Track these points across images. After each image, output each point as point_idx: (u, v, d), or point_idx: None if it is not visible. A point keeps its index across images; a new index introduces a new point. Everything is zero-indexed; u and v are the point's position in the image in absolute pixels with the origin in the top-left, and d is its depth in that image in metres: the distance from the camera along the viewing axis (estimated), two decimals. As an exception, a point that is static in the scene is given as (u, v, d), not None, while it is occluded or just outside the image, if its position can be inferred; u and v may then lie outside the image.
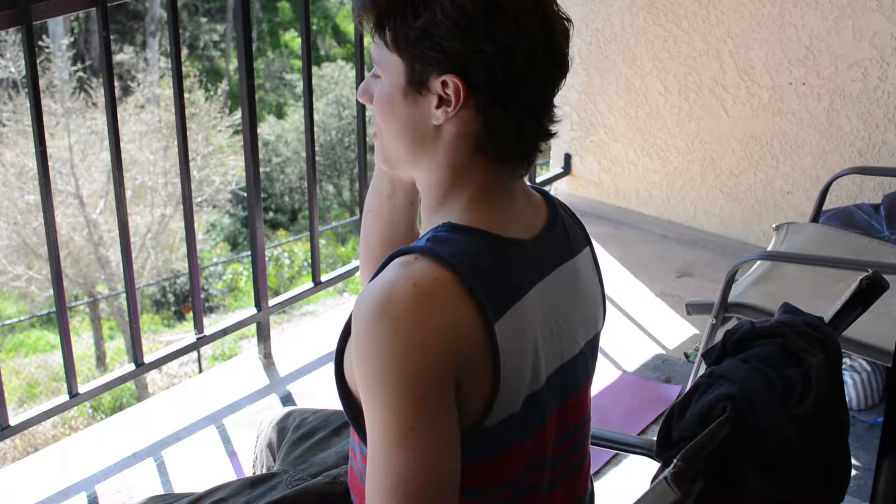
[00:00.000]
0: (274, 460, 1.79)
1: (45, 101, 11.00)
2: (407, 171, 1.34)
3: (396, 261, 1.21)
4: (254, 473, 1.83)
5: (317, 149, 4.38)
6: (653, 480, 1.33)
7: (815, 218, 2.89)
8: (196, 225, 4.16)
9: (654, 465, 1.45)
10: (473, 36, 1.20)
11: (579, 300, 1.36)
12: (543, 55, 1.23)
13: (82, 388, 2.62)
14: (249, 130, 2.78)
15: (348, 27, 17.39)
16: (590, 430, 1.44)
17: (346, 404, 1.29)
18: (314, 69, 2.95)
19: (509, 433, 1.25)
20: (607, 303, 1.47)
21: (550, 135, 1.28)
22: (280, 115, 15.63)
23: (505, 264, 1.24)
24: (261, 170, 2.99)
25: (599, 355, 3.04)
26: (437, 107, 1.24)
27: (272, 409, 2.74)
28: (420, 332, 1.15)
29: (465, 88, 1.22)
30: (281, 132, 14.74)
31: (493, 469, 1.27)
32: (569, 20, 1.27)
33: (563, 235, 1.35)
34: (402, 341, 1.15)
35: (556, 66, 1.25)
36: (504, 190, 1.29)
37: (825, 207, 2.94)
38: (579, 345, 1.36)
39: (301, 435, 1.75)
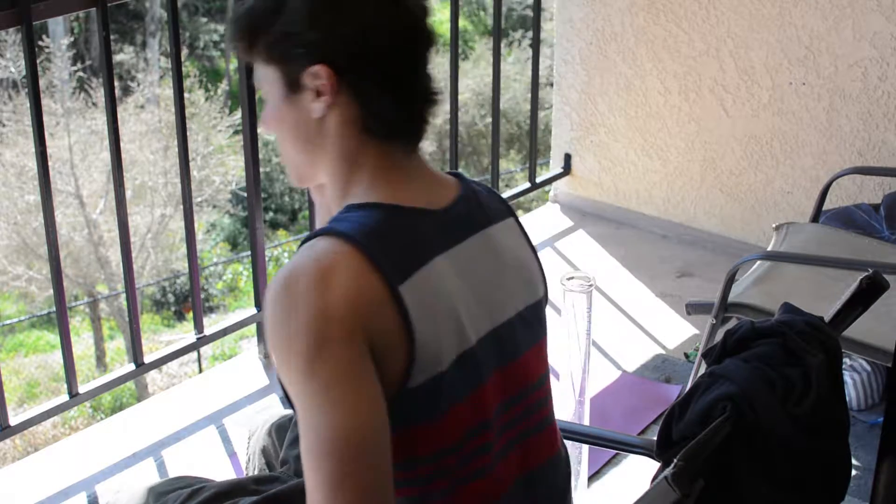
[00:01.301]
0: (268, 465, 1.79)
1: (45, 101, 10.99)
2: (315, 179, 1.40)
3: (303, 245, 1.28)
4: (246, 475, 1.83)
5: (317, 149, 4.37)
6: (653, 480, 1.33)
7: (815, 218, 2.89)
8: (196, 225, 4.16)
9: (654, 465, 1.45)
10: (326, 23, 1.27)
11: (504, 266, 1.39)
12: (403, 28, 1.29)
13: (82, 388, 2.62)
14: (249, 130, 2.78)
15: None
16: (547, 395, 1.44)
17: (284, 393, 1.31)
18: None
19: (440, 394, 1.27)
20: (546, 274, 1.49)
21: (431, 104, 1.33)
22: (280, 115, 15.60)
23: (407, 230, 1.29)
24: (261, 170, 2.99)
25: (600, 355, 3.05)
26: (314, 100, 1.30)
27: (272, 409, 2.74)
28: (321, 301, 1.20)
29: (333, 74, 1.28)
30: (281, 132, 14.71)
31: (431, 434, 1.29)
32: None
33: (477, 206, 1.40)
34: (304, 311, 1.20)
35: (418, 39, 1.32)
36: (401, 169, 1.34)
37: (825, 207, 2.94)
38: (514, 310, 1.38)
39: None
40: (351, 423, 1.18)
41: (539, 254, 1.49)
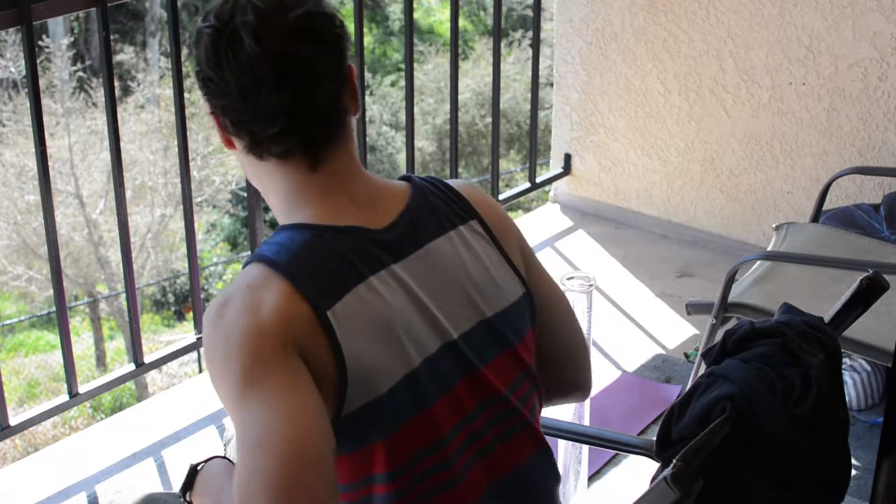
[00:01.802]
0: None
1: (45, 101, 10.99)
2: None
3: (239, 273, 1.29)
4: None
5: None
6: (653, 480, 1.33)
7: (815, 218, 2.89)
8: (196, 225, 4.16)
9: (654, 465, 1.45)
10: (197, 69, 1.33)
11: (457, 277, 1.35)
12: (245, 59, 1.25)
13: (82, 388, 2.62)
14: (249, 130, 2.77)
15: (348, 27, 17.35)
16: (520, 401, 1.40)
17: None
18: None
19: (382, 416, 1.25)
20: (538, 281, 1.46)
21: (303, 118, 1.28)
22: (280, 115, 15.61)
23: (334, 253, 1.27)
24: (261, 170, 2.98)
25: (600, 355, 3.04)
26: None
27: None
28: (253, 319, 1.21)
29: (211, 110, 1.32)
30: (281, 132, 14.71)
31: (380, 455, 1.27)
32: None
33: (428, 214, 1.36)
34: (238, 331, 1.21)
35: (276, 60, 1.25)
36: (316, 186, 1.32)
37: (825, 207, 2.94)
38: (473, 320, 1.35)
39: None
40: (292, 432, 1.16)
41: (538, 254, 1.46)
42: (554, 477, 1.47)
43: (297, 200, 1.32)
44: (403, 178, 1.42)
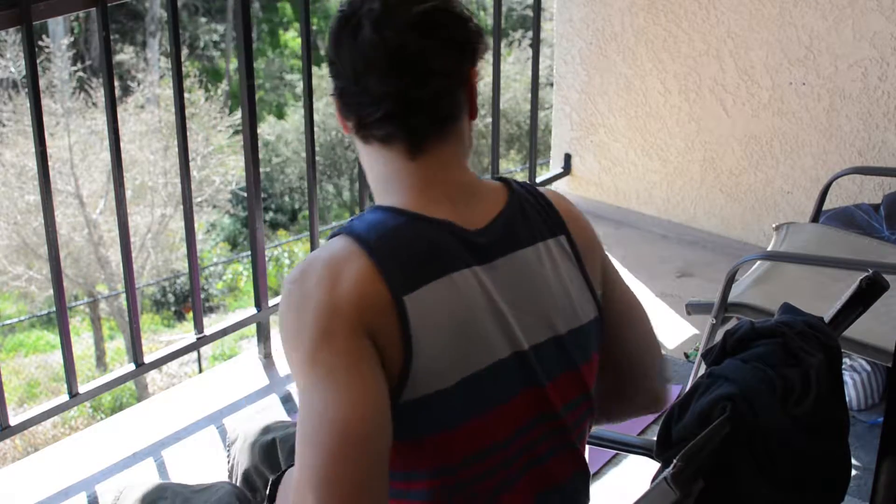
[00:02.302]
0: (251, 490, 1.76)
1: (45, 101, 10.99)
2: None
3: (325, 243, 1.32)
4: (230, 479, 1.81)
5: (317, 149, 4.38)
6: (653, 480, 1.33)
7: (815, 218, 2.89)
8: (196, 225, 4.16)
9: (654, 465, 1.45)
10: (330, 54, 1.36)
11: (539, 289, 1.35)
12: (366, 51, 1.30)
13: (82, 388, 2.62)
14: (249, 130, 2.78)
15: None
16: (576, 420, 1.40)
17: None
18: (314, 69, 2.95)
19: (441, 411, 1.26)
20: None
21: (405, 112, 1.31)
22: (280, 115, 15.63)
23: (424, 241, 1.28)
24: (261, 170, 2.99)
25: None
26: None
27: (272, 410, 2.74)
28: (328, 296, 1.23)
29: (335, 99, 1.36)
30: (281, 132, 14.73)
31: (430, 450, 1.28)
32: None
33: (522, 223, 1.36)
34: (313, 304, 1.23)
35: (383, 54, 1.30)
36: (413, 176, 1.34)
37: (825, 207, 2.94)
38: (546, 335, 1.34)
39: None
40: (350, 412, 1.18)
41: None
42: (586, 497, 1.47)
43: (393, 185, 1.34)
44: (499, 180, 1.43)
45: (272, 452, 1.77)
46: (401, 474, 1.28)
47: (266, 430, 1.81)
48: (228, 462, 1.86)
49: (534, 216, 1.38)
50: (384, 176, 1.36)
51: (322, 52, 16.94)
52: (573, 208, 1.45)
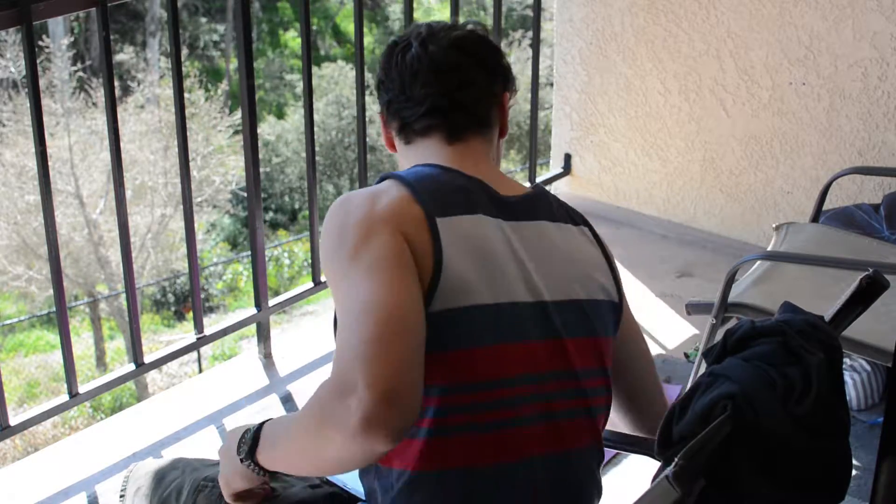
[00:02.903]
0: None
1: (45, 101, 11.00)
2: None
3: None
4: None
5: (317, 149, 4.39)
6: (653, 480, 1.33)
7: (815, 218, 2.89)
8: (196, 225, 4.16)
9: (654, 465, 1.45)
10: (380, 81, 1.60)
11: (558, 256, 1.47)
12: (408, 59, 1.54)
13: (82, 388, 2.62)
14: (249, 130, 2.78)
15: (348, 27, 17.39)
16: (592, 388, 1.45)
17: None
18: (314, 69, 2.96)
19: (459, 327, 1.34)
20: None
21: (446, 107, 1.53)
22: (280, 115, 15.64)
23: (458, 187, 1.44)
24: (261, 170, 2.99)
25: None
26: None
27: (272, 410, 2.74)
28: (370, 209, 1.38)
29: (382, 112, 1.60)
30: (281, 132, 14.74)
31: (446, 364, 1.34)
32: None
33: (545, 205, 1.52)
34: (355, 215, 1.37)
35: (417, 60, 1.54)
36: (450, 154, 1.52)
37: (825, 207, 2.94)
38: (567, 296, 1.44)
39: None
40: (389, 299, 1.27)
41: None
42: (594, 483, 1.51)
43: (438, 152, 1.53)
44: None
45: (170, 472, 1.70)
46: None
47: (160, 477, 1.70)
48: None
49: (557, 206, 1.54)
50: (421, 156, 1.53)
51: (322, 52, 16.95)
52: (587, 220, 1.61)
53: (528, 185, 1.62)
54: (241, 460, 1.41)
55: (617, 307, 1.53)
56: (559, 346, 1.42)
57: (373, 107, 4.26)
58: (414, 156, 1.56)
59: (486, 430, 1.36)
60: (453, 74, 1.53)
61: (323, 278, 3.14)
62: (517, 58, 13.70)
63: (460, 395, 1.35)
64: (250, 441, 1.40)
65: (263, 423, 1.42)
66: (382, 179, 1.47)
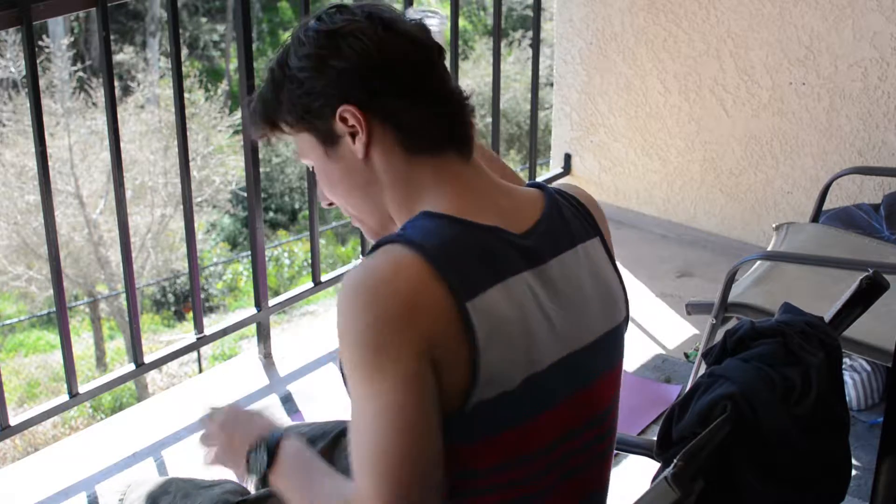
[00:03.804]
0: None
1: (45, 101, 10.99)
2: (387, 222, 1.40)
3: (378, 249, 1.28)
4: None
5: (317, 149, 4.37)
6: (653, 480, 1.33)
7: (815, 218, 2.89)
8: (196, 225, 4.16)
9: (654, 465, 1.45)
10: (329, 66, 1.32)
11: (585, 291, 1.36)
12: (402, 43, 1.34)
13: (82, 388, 2.62)
14: (249, 130, 2.78)
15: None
16: (611, 427, 1.43)
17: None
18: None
19: (504, 413, 1.26)
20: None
21: (464, 108, 1.36)
22: (280, 115, 15.59)
23: (480, 249, 1.28)
24: (261, 170, 2.99)
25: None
26: (354, 143, 1.33)
27: (272, 410, 2.74)
28: (392, 305, 1.21)
29: (357, 109, 1.32)
30: (281, 132, 14.70)
31: (487, 451, 1.28)
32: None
33: (561, 225, 1.37)
34: (373, 314, 1.22)
35: (422, 49, 1.36)
36: (464, 181, 1.34)
37: (825, 207, 2.94)
38: (592, 336, 1.36)
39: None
40: (406, 442, 1.19)
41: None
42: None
43: (447, 191, 1.34)
44: (532, 185, 1.44)
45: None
46: (457, 475, 1.29)
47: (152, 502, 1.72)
48: None
49: (571, 218, 1.40)
50: (425, 184, 1.35)
51: (322, 52, 16.91)
52: (596, 204, 1.47)
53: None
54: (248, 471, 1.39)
55: (627, 317, 1.45)
56: (586, 395, 1.37)
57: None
58: (419, 179, 1.35)
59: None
60: (430, 56, 1.37)
61: (323, 278, 3.14)
62: (517, 58, 13.69)
63: (500, 475, 1.31)
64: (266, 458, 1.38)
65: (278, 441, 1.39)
66: (390, 241, 1.27)
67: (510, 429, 1.28)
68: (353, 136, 1.33)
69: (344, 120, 1.32)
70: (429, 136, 1.34)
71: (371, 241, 1.39)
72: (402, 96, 1.33)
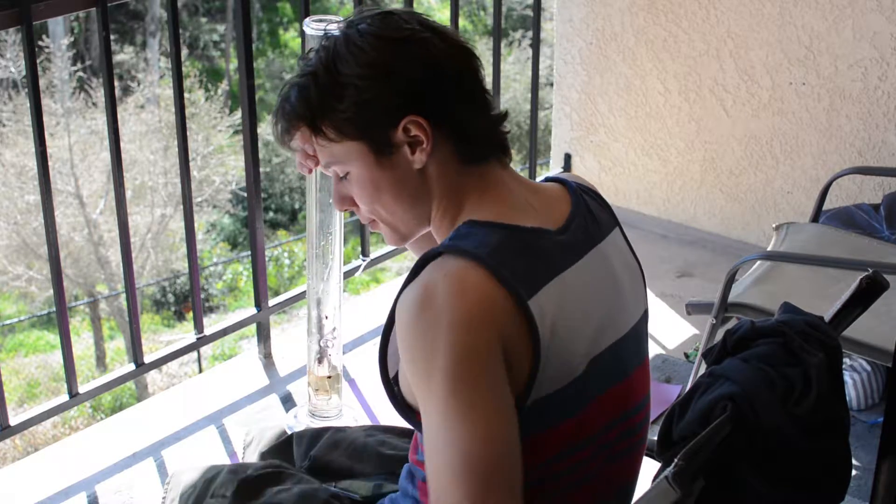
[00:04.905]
0: None
1: (45, 101, 10.99)
2: (421, 229, 1.40)
3: (428, 265, 1.26)
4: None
5: (317, 149, 4.36)
6: (653, 480, 1.33)
7: (815, 218, 2.89)
8: (196, 225, 4.16)
9: (654, 465, 1.45)
10: (399, 74, 1.29)
11: (620, 281, 1.39)
12: (454, 48, 1.32)
13: (82, 388, 2.62)
14: (249, 130, 2.78)
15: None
16: (645, 419, 1.45)
17: (397, 406, 1.32)
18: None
19: (563, 403, 1.28)
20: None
21: (503, 114, 1.37)
22: (280, 115, 15.59)
23: (528, 250, 1.29)
24: (261, 170, 2.99)
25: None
26: (413, 153, 1.31)
27: (272, 410, 2.74)
28: (460, 313, 1.20)
29: (424, 120, 1.29)
30: (281, 132, 14.70)
31: (548, 441, 1.30)
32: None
33: (590, 221, 1.39)
34: (445, 326, 1.19)
35: (470, 55, 1.35)
36: (504, 187, 1.35)
37: (825, 207, 2.94)
38: (627, 326, 1.39)
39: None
40: (489, 440, 1.17)
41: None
42: None
43: (490, 199, 1.34)
44: (550, 180, 1.44)
45: (285, 451, 1.78)
46: (536, 467, 1.29)
47: (282, 432, 1.83)
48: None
49: (596, 210, 1.42)
50: (472, 194, 1.34)
51: (322, 52, 16.90)
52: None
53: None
54: None
55: (647, 311, 1.47)
56: (625, 386, 1.38)
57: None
58: (465, 188, 1.34)
59: (570, 490, 1.34)
60: (474, 62, 1.37)
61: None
62: (517, 58, 13.69)
63: (557, 463, 1.32)
64: None
65: None
66: (442, 253, 1.26)
67: (567, 419, 1.30)
68: (413, 145, 1.31)
69: (406, 130, 1.30)
70: (484, 146, 1.34)
71: (389, 246, 1.40)
72: (467, 106, 1.32)
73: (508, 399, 1.21)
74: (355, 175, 1.36)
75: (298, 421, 2.63)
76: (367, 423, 2.63)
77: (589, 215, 1.39)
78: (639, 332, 1.42)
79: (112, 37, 2.53)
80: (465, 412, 1.17)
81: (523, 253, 1.28)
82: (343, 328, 2.59)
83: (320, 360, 2.55)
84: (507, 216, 1.31)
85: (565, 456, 1.32)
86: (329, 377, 2.56)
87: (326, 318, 2.50)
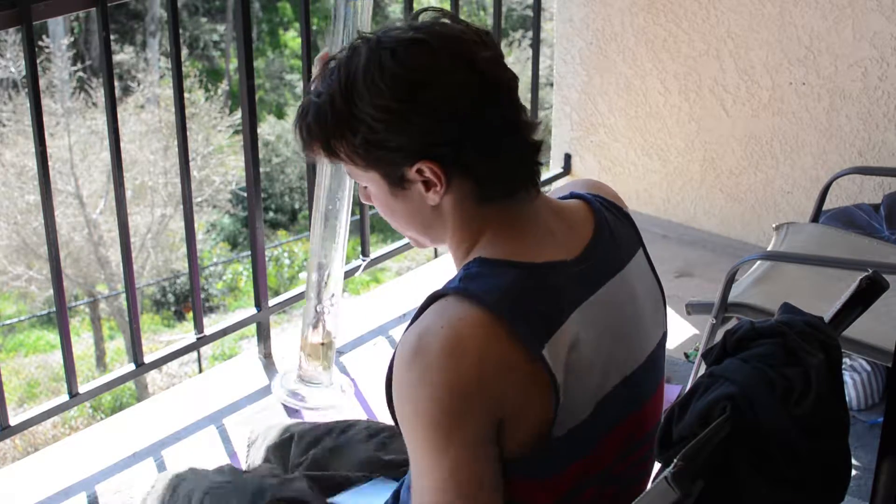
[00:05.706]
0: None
1: (45, 101, 10.99)
2: (440, 244, 1.38)
3: (433, 305, 1.24)
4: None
5: (317, 149, 4.36)
6: (653, 480, 1.33)
7: (815, 218, 2.89)
8: (196, 225, 4.16)
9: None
10: (413, 124, 1.23)
11: (640, 308, 1.38)
12: (483, 87, 1.24)
13: (82, 388, 2.62)
14: (249, 130, 2.78)
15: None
16: (651, 449, 1.44)
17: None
18: (313, 69, 2.95)
19: (576, 443, 1.28)
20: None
21: (535, 144, 1.29)
22: (280, 115, 15.62)
23: (541, 291, 1.26)
24: (261, 170, 2.99)
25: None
26: (427, 190, 1.28)
27: (272, 410, 2.74)
28: (448, 375, 1.18)
29: (438, 166, 1.25)
30: (281, 132, 14.72)
31: (554, 484, 1.30)
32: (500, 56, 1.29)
33: (612, 243, 1.36)
34: (430, 385, 1.18)
35: (500, 90, 1.26)
36: (525, 220, 1.31)
37: (825, 207, 2.94)
38: (645, 353, 1.38)
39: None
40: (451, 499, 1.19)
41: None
42: None
43: (507, 234, 1.30)
44: (573, 197, 1.40)
45: (285, 447, 1.78)
46: None
47: (285, 430, 1.83)
48: (246, 462, 1.87)
49: (618, 231, 1.39)
50: (488, 229, 1.30)
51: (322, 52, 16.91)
52: (623, 201, 1.48)
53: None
54: None
55: (666, 331, 1.45)
56: (640, 415, 1.38)
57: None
58: (483, 223, 1.29)
59: None
60: (505, 97, 1.30)
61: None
62: (517, 58, 13.69)
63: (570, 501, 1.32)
64: None
65: None
66: (450, 293, 1.23)
67: (578, 460, 1.29)
68: (427, 184, 1.27)
69: (420, 171, 1.26)
70: (505, 185, 1.29)
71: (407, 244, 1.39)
72: (485, 149, 1.25)
73: (488, 465, 1.21)
74: (372, 192, 1.34)
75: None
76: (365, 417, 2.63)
77: (611, 240, 1.36)
78: (656, 357, 1.41)
79: (112, 37, 2.53)
80: (447, 473, 1.18)
81: (536, 294, 1.24)
82: (343, 328, 2.58)
83: (315, 326, 2.49)
84: (521, 253, 1.28)
85: (573, 495, 1.32)
86: (322, 344, 2.51)
87: (329, 275, 2.43)
